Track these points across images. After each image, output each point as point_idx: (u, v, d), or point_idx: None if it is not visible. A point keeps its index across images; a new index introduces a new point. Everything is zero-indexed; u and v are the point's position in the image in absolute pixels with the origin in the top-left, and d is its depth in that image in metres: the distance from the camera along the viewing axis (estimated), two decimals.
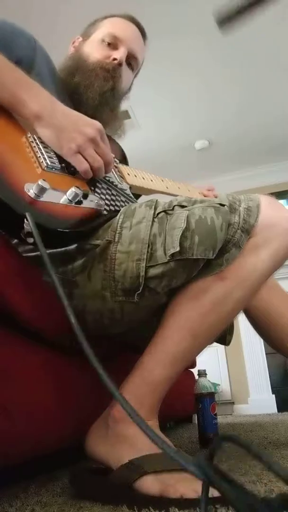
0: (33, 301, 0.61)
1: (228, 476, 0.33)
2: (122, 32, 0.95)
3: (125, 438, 0.56)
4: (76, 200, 0.62)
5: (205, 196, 1.13)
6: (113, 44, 0.94)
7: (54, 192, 0.59)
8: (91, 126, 0.68)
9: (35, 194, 0.56)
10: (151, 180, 0.98)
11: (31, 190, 0.56)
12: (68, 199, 0.61)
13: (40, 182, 0.56)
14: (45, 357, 0.66)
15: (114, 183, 0.81)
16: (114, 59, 0.92)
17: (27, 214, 0.53)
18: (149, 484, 0.48)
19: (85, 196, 0.63)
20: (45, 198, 0.57)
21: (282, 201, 3.25)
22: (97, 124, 0.70)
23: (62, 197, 0.61)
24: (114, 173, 0.85)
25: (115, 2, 2.01)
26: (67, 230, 0.60)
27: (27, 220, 0.52)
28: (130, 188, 0.89)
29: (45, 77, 0.82)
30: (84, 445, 0.62)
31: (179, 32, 2.19)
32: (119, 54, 0.92)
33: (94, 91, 0.89)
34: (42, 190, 0.56)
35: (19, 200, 0.55)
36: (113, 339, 0.83)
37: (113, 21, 0.98)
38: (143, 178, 0.96)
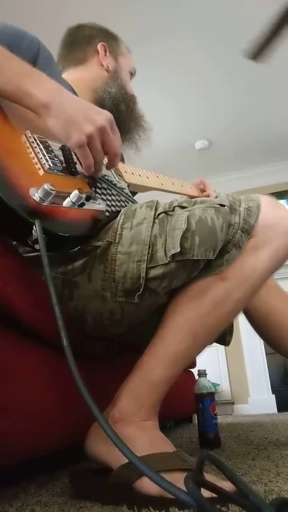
0: (33, 301, 0.61)
1: (218, 490, 0.35)
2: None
3: (124, 438, 0.55)
4: (80, 203, 0.61)
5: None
6: (131, 78, 1.08)
7: (58, 195, 0.59)
8: (101, 114, 0.66)
9: (40, 198, 0.55)
10: (147, 177, 0.99)
11: (36, 194, 0.55)
12: (72, 201, 0.60)
13: (46, 186, 0.55)
14: (45, 357, 0.66)
15: (113, 182, 0.81)
16: (134, 96, 1.06)
17: (36, 222, 0.52)
18: (149, 484, 0.48)
19: (88, 198, 0.62)
20: (50, 202, 0.57)
21: (282, 201, 3.25)
22: (107, 113, 0.68)
23: (65, 199, 0.60)
24: (113, 171, 0.85)
25: (116, 4, 2.02)
26: (71, 234, 0.60)
27: (35, 227, 0.52)
28: (128, 186, 0.89)
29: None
30: (84, 445, 0.62)
31: (179, 33, 2.19)
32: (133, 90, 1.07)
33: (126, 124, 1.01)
34: (47, 194, 0.55)
35: (25, 205, 0.54)
36: (113, 339, 0.83)
37: (128, 53, 1.09)
38: (140, 176, 0.96)
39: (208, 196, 1.16)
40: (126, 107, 0.99)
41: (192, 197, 1.12)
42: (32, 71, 0.65)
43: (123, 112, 0.98)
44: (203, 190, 1.19)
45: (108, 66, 1.01)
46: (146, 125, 1.06)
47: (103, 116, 0.66)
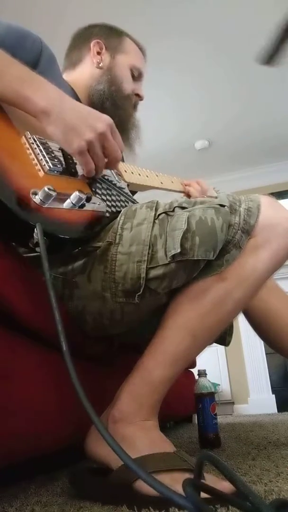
0: (33, 301, 0.61)
1: (217, 494, 0.35)
2: (143, 68, 1.06)
3: (124, 438, 0.56)
4: (80, 204, 0.61)
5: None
6: (137, 77, 1.03)
7: (58, 197, 0.59)
8: (101, 120, 0.66)
9: (41, 200, 0.55)
10: (147, 176, 0.99)
11: (36, 196, 0.55)
12: (72, 203, 0.60)
13: (46, 188, 0.55)
14: (45, 357, 0.66)
15: (113, 182, 0.81)
16: (139, 95, 1.03)
17: (37, 225, 0.52)
18: None
19: (88, 199, 0.62)
20: (50, 204, 0.56)
21: (282, 201, 3.25)
22: (107, 118, 0.68)
23: (65, 201, 0.60)
24: (112, 171, 0.85)
25: (117, 4, 2.01)
26: (71, 237, 0.59)
27: (36, 230, 0.52)
28: (128, 185, 0.89)
29: (48, 78, 0.82)
30: (84, 445, 0.62)
31: (179, 33, 2.19)
32: (142, 90, 1.04)
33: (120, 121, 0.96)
34: (47, 196, 0.55)
35: (25, 207, 0.54)
36: (113, 339, 0.83)
37: (136, 51, 1.05)
38: (139, 175, 0.96)
39: (188, 192, 1.13)
40: (113, 105, 0.96)
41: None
42: (32, 76, 0.65)
43: (108, 110, 0.94)
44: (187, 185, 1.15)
45: (99, 63, 0.99)
46: (137, 124, 1.03)
47: (103, 122, 0.66)
